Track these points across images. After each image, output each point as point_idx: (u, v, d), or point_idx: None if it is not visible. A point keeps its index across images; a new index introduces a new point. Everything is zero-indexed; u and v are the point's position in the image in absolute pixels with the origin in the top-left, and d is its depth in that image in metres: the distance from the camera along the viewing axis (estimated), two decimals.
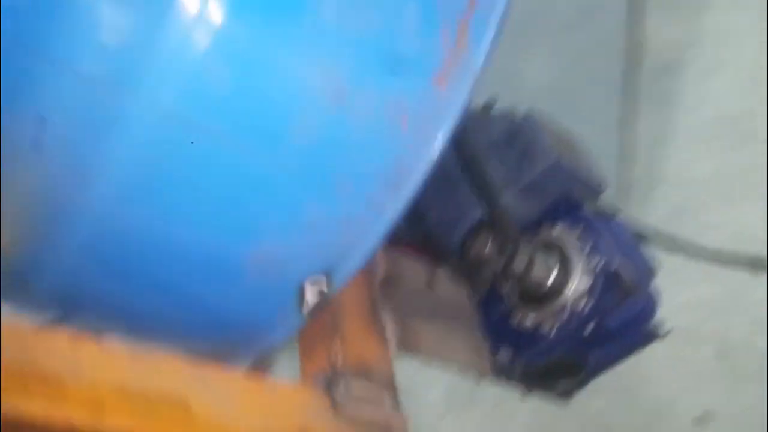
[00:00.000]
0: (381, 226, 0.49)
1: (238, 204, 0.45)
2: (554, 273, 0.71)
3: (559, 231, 0.72)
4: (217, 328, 0.54)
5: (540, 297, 0.72)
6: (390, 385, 0.58)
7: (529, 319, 0.72)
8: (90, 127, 0.41)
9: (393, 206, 0.49)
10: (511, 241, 0.70)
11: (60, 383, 0.39)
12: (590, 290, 0.68)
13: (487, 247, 0.71)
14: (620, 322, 0.70)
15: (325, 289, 0.52)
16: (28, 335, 0.41)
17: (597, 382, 0.74)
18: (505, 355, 0.73)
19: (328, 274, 0.51)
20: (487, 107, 0.99)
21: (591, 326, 0.68)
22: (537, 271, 0.70)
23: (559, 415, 0.94)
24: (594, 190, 0.82)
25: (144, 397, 0.42)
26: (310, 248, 0.49)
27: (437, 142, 0.49)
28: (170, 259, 0.48)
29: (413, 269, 0.76)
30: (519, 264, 0.68)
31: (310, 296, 0.52)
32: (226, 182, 0.44)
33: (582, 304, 0.67)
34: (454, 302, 0.76)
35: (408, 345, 0.70)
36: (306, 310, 0.53)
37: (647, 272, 0.72)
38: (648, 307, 0.70)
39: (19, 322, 0.47)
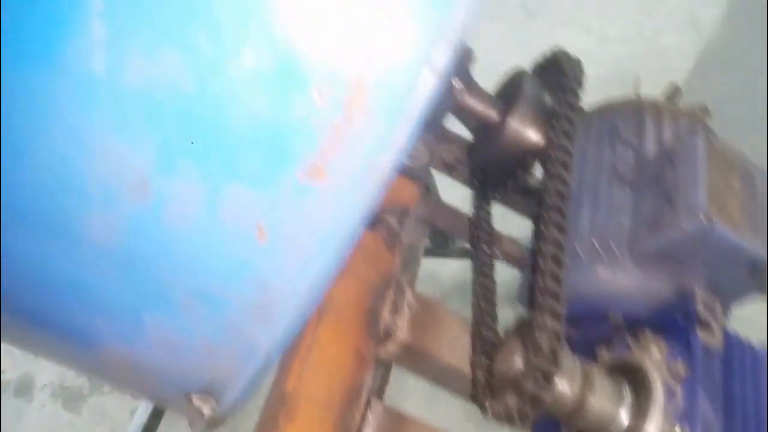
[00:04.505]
0: (255, 362, 0.38)
1: (68, 308, 0.37)
2: (623, 411, 0.46)
3: (646, 349, 0.46)
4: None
5: None
6: None
7: None
8: None
9: (266, 341, 0.37)
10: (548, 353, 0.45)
11: None
12: None
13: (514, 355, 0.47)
14: None
15: (215, 406, 0.42)
16: None
17: None
18: None
19: (215, 396, 0.42)
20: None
21: None
22: (599, 402, 0.46)
23: None
24: (756, 270, 0.50)
25: None
26: (176, 365, 0.39)
27: (315, 259, 0.33)
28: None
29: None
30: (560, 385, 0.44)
31: (201, 406, 0.43)
32: (45, 284, 0.36)
33: None
34: None
35: None
36: (205, 418, 0.44)
37: None
38: None
39: None
